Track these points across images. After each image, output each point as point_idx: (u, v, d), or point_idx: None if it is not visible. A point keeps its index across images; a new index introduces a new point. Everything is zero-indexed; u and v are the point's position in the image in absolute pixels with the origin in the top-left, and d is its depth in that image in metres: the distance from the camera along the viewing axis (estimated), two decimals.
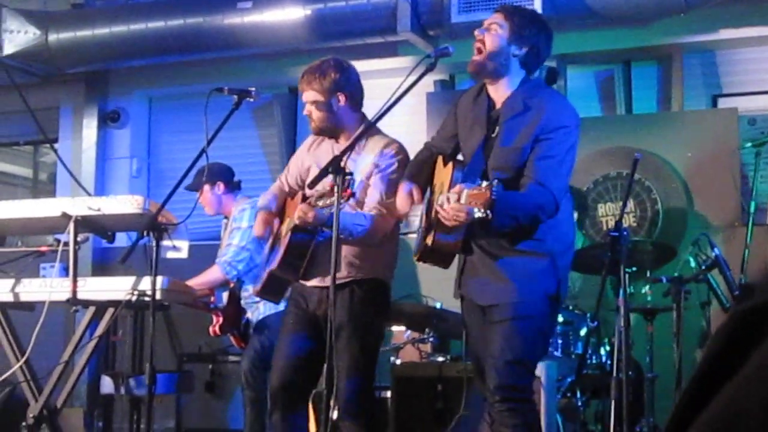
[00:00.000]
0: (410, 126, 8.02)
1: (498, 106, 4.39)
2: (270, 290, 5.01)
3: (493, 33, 4.33)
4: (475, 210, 3.72)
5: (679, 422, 1.17)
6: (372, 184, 4.73)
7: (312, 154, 5.06)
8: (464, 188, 3.80)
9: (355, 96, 4.98)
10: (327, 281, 4.79)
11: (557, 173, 4.21)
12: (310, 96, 4.93)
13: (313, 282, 4.89)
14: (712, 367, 1.17)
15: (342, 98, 4.91)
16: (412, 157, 4.81)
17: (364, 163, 4.82)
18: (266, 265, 5.01)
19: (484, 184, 3.73)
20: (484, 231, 4.15)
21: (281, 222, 5.10)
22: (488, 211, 3.69)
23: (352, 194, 4.21)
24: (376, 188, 4.73)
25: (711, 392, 1.14)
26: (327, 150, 4.97)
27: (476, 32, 4.38)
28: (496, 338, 4.24)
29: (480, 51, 4.32)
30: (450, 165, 4.34)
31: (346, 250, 4.75)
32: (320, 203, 4.34)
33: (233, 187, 6.80)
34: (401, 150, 4.88)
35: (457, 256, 4.46)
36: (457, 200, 3.83)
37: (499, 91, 4.39)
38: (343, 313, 4.67)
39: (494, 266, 4.28)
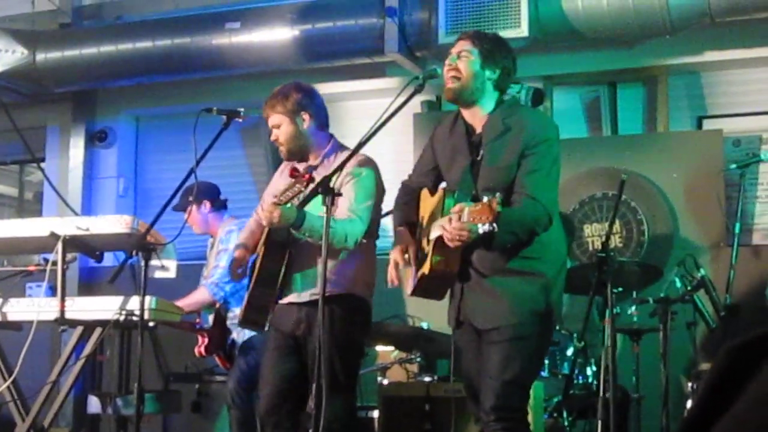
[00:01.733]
0: (397, 146, 8.05)
1: (478, 130, 4.45)
2: (251, 317, 4.99)
3: (466, 59, 4.41)
4: (479, 226, 3.75)
5: None
6: (343, 192, 4.75)
7: (284, 177, 5.07)
8: (465, 206, 3.84)
9: (320, 116, 5.05)
10: (303, 297, 4.82)
11: (546, 186, 4.30)
12: (275, 120, 4.99)
13: (289, 298, 4.90)
14: (708, 402, 1.20)
15: (307, 117, 4.97)
16: (395, 175, 4.86)
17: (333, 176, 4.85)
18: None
19: (485, 198, 3.76)
20: (484, 248, 4.17)
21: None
22: (494, 224, 3.72)
23: (311, 177, 4.26)
24: (346, 195, 4.75)
25: (707, 426, 1.16)
26: None
27: (447, 61, 4.46)
28: (494, 358, 4.27)
29: (457, 78, 4.39)
30: (438, 194, 4.37)
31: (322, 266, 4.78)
32: (283, 198, 4.37)
33: (219, 205, 6.81)
34: (370, 160, 4.94)
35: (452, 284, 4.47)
36: (458, 219, 3.86)
37: (477, 116, 4.47)
38: (323, 331, 4.66)
39: (492, 288, 4.31)
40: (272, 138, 5.04)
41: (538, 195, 4.22)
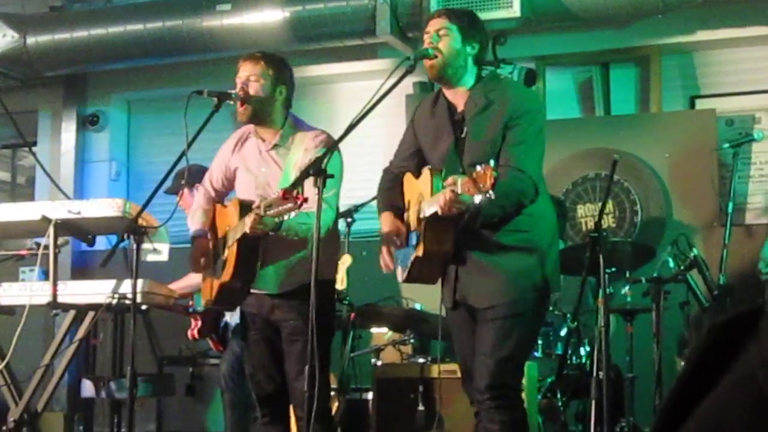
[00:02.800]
0: (389, 128, 8.02)
1: (460, 108, 4.44)
2: (223, 300, 4.99)
3: (446, 38, 4.39)
4: (475, 196, 3.72)
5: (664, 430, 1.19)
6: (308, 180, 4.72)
7: (237, 156, 5.03)
8: (458, 178, 3.81)
9: (290, 95, 5.00)
10: (274, 289, 4.82)
11: (531, 156, 4.29)
12: (256, 70, 4.88)
13: (262, 291, 4.89)
14: (692, 381, 1.19)
15: (284, 91, 4.93)
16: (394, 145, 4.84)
17: (295, 158, 4.81)
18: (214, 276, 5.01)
19: (479, 168, 3.73)
20: (473, 223, 4.14)
21: (215, 233, 5.09)
22: (490, 192, 3.70)
23: (305, 199, 4.18)
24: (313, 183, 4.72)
25: (694, 401, 1.16)
26: (252, 150, 4.98)
27: (426, 38, 4.43)
28: (489, 336, 4.26)
29: (437, 56, 4.36)
30: (424, 176, 4.34)
31: (294, 257, 4.79)
32: (269, 212, 4.30)
33: None
34: (328, 138, 4.87)
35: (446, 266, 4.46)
36: (451, 191, 3.84)
37: (459, 93, 4.46)
38: (299, 319, 4.70)
39: (486, 266, 4.30)
40: (238, 89, 4.86)
41: (524, 166, 4.20)
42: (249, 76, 4.88)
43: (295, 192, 4.12)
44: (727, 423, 1.10)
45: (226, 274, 4.81)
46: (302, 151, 4.82)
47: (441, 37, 4.39)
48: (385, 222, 4.57)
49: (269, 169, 4.90)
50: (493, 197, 3.70)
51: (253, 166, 4.96)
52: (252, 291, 4.89)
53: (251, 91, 4.86)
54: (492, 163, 3.72)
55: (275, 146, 4.91)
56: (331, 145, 4.47)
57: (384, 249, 4.51)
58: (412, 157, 4.63)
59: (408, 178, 4.58)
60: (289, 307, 4.81)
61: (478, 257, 4.31)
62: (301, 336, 4.66)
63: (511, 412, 4.27)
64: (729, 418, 1.10)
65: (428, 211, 4.14)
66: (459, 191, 3.78)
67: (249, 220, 4.43)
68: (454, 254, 4.32)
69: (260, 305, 4.94)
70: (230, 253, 4.80)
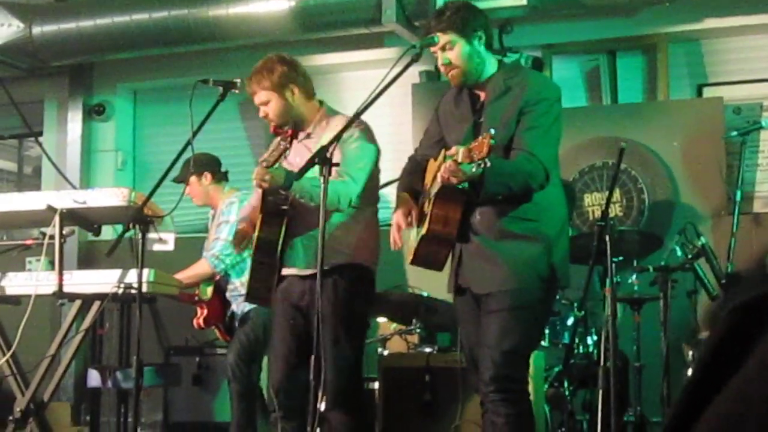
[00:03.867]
0: (395, 117, 8.02)
1: (482, 97, 4.43)
2: (255, 292, 4.98)
3: (453, 49, 4.39)
4: (472, 165, 3.72)
5: (682, 420, 1.16)
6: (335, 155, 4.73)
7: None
8: (459, 148, 3.81)
9: (307, 86, 5.03)
10: (306, 270, 4.79)
11: (544, 143, 4.27)
12: (263, 96, 4.96)
13: (292, 270, 4.88)
14: (712, 366, 1.16)
15: (295, 90, 4.94)
16: (390, 141, 4.84)
17: (323, 143, 4.83)
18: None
19: (481, 137, 3.73)
20: (474, 196, 4.12)
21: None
22: (485, 161, 3.69)
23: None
24: (338, 157, 4.72)
25: (712, 390, 1.13)
26: (298, 149, 5.00)
27: (440, 62, 4.42)
28: (493, 328, 4.25)
29: (456, 69, 4.39)
30: (440, 157, 4.34)
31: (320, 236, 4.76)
32: (270, 158, 4.38)
33: (220, 177, 6.77)
34: (362, 122, 4.87)
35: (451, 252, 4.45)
36: (453, 161, 3.85)
37: (481, 83, 4.46)
38: (327, 304, 4.64)
39: (491, 252, 4.29)
40: (261, 115, 5.00)
41: (535, 150, 4.19)
42: (260, 104, 4.99)
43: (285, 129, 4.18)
44: (746, 413, 1.08)
45: (254, 244, 4.85)
46: (332, 135, 4.83)
47: (447, 51, 4.39)
48: (400, 200, 4.59)
49: (302, 158, 4.91)
50: (489, 164, 3.70)
51: (291, 158, 4.97)
52: (283, 273, 4.89)
53: (271, 115, 4.95)
54: (492, 131, 3.71)
55: (308, 135, 4.94)
56: (339, 132, 4.44)
57: (394, 226, 4.51)
58: (436, 146, 4.63)
59: (430, 164, 4.59)
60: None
61: (483, 242, 4.30)
62: (329, 324, 4.64)
63: (516, 405, 4.25)
64: (749, 407, 1.08)
65: (436, 188, 4.15)
66: (459, 160, 3.78)
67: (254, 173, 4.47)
68: (459, 238, 4.31)
69: (290, 290, 4.92)
70: (258, 225, 4.84)
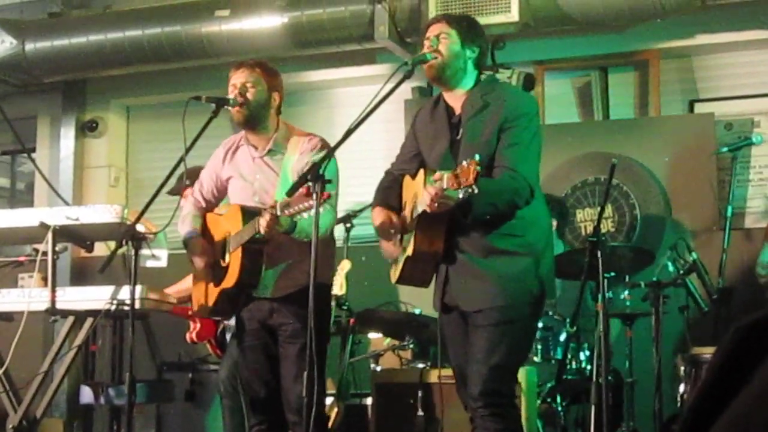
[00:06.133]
0: (388, 133, 8.03)
1: (458, 111, 4.46)
2: (222, 307, 5.02)
3: (446, 41, 4.43)
4: (459, 191, 3.74)
5: None
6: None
7: (230, 165, 5.10)
8: (444, 173, 3.82)
9: (281, 102, 5.07)
10: (274, 293, 4.82)
11: (526, 158, 4.29)
12: (252, 77, 4.97)
13: (260, 295, 4.90)
14: (716, 384, 1.16)
15: (277, 98, 5.00)
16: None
17: (290, 162, 4.86)
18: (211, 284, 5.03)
19: (464, 162, 3.74)
20: (464, 218, 4.13)
21: (209, 240, 5.11)
22: (473, 187, 3.70)
23: (329, 195, 4.21)
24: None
25: (716, 410, 1.13)
26: (245, 158, 5.04)
27: (426, 43, 4.46)
28: (481, 343, 4.25)
29: (436, 57, 4.41)
30: (420, 175, 4.35)
31: (293, 260, 4.81)
32: (287, 212, 4.33)
33: None
34: (322, 141, 4.94)
35: (437, 268, 4.46)
36: (438, 187, 3.86)
37: (457, 96, 4.49)
38: (297, 321, 4.75)
39: (479, 269, 4.29)
40: (234, 93, 4.93)
41: (518, 167, 4.20)
42: (245, 83, 4.94)
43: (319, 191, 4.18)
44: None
45: (230, 280, 4.83)
46: (297, 154, 4.88)
47: (440, 40, 4.42)
48: (377, 215, 4.58)
49: (264, 176, 4.94)
50: (476, 191, 3.72)
51: (247, 174, 4.99)
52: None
53: (249, 96, 4.92)
54: (477, 157, 3.73)
55: (269, 152, 4.95)
56: (328, 149, 4.46)
57: (382, 243, 4.56)
58: (412, 161, 4.64)
59: (407, 180, 4.60)
60: (287, 310, 4.84)
61: (470, 260, 4.30)
62: (299, 339, 4.69)
63: (505, 420, 4.25)
64: (751, 428, 1.08)
65: (420, 209, 4.16)
66: (445, 186, 3.79)
67: (264, 220, 4.46)
68: (445, 256, 4.32)
69: (258, 310, 4.95)
70: (234, 258, 4.81)
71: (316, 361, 4.67)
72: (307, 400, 4.14)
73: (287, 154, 4.89)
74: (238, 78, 4.97)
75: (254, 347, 5.00)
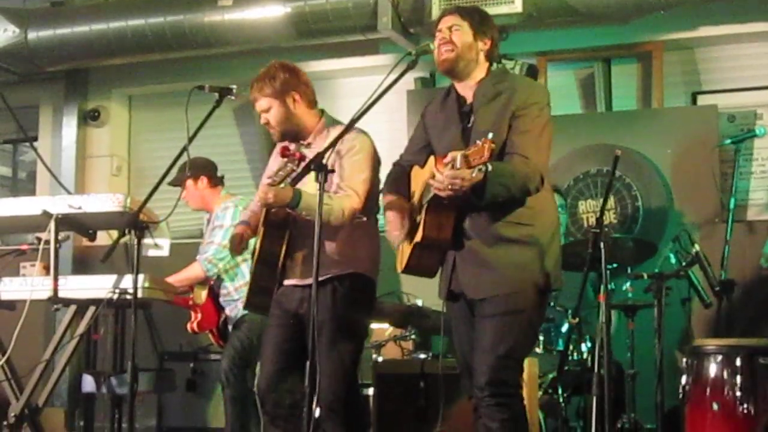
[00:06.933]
0: (391, 124, 8.03)
1: (469, 100, 4.46)
2: (254, 300, 4.97)
3: (458, 32, 4.45)
4: (474, 171, 3.74)
5: None
6: (336, 167, 4.72)
7: (279, 162, 5.06)
8: (457, 153, 3.82)
9: (308, 93, 5.02)
10: (306, 280, 4.77)
11: (537, 146, 4.29)
12: (264, 104, 4.95)
13: (292, 281, 4.89)
14: None
15: (297, 97, 4.94)
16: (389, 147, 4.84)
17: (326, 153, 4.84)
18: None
19: (478, 141, 3.75)
20: (478, 201, 4.11)
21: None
22: (488, 165, 3.70)
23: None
24: (338, 171, 4.72)
25: None
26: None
27: (439, 35, 4.48)
28: (488, 333, 4.25)
29: (451, 50, 4.42)
30: (429, 163, 4.35)
31: (325, 246, 4.73)
32: (277, 178, 4.36)
33: (217, 181, 6.76)
34: (361, 131, 4.89)
35: (444, 258, 4.46)
36: (451, 168, 3.86)
37: (468, 86, 4.50)
38: (325, 312, 4.64)
39: (485, 257, 4.28)
40: (262, 122, 4.99)
41: (529, 154, 4.21)
42: (261, 112, 4.95)
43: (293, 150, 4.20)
44: None
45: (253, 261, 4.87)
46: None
47: (453, 32, 4.45)
48: (387, 201, 4.60)
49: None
50: (490, 168, 3.72)
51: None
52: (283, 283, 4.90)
53: (273, 122, 4.96)
54: (490, 135, 3.73)
55: (308, 146, 4.92)
56: (334, 139, 4.44)
57: (389, 229, 4.54)
58: (421, 152, 4.64)
59: (415, 170, 4.61)
60: (318, 297, 4.75)
61: (478, 248, 4.30)
62: (326, 332, 4.65)
63: (510, 410, 4.25)
64: None
65: (430, 194, 4.16)
66: (458, 166, 3.80)
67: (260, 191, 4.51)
68: (453, 243, 4.32)
69: (287, 298, 4.93)
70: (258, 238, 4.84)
71: (350, 357, 4.70)
72: (308, 390, 4.13)
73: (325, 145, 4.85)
74: (257, 105, 4.99)
75: (276, 334, 4.94)
